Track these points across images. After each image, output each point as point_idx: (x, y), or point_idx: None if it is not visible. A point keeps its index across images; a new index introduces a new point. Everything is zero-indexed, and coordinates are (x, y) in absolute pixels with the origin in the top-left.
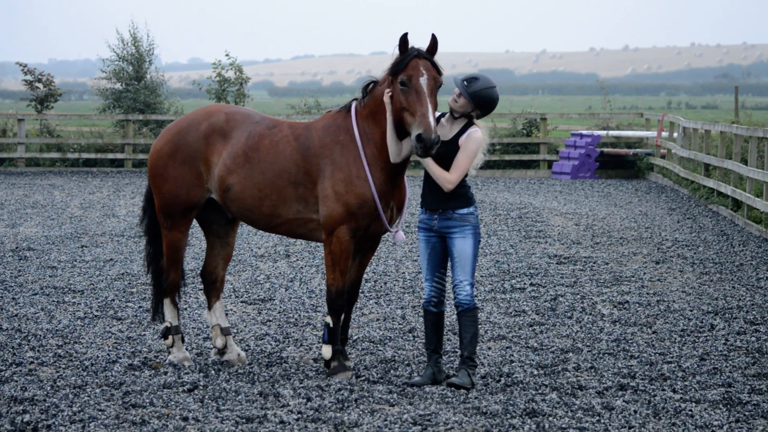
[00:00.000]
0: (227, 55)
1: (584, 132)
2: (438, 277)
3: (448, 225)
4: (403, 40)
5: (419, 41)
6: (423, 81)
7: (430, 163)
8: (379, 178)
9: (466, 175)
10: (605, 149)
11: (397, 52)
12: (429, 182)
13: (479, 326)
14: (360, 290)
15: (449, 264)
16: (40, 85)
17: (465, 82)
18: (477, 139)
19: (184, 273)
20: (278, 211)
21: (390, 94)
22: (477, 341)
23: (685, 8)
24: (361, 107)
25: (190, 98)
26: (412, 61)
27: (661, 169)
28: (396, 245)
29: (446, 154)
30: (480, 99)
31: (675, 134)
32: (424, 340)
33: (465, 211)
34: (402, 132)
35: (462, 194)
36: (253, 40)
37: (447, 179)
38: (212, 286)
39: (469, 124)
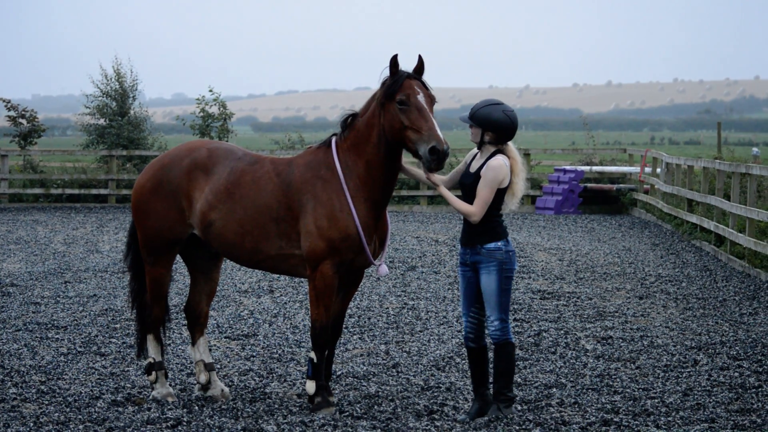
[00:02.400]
0: (211, 90)
1: (568, 167)
2: (474, 312)
3: (476, 260)
4: (394, 61)
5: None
6: (421, 98)
7: (452, 199)
8: (363, 212)
9: (499, 208)
10: (589, 184)
11: (386, 73)
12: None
13: (513, 362)
14: (344, 325)
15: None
16: (24, 121)
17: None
18: (495, 167)
19: (168, 308)
20: (260, 246)
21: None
22: (510, 376)
23: (668, 44)
24: (342, 141)
25: (174, 134)
26: (406, 82)
27: (644, 205)
28: (379, 279)
29: (472, 183)
30: (481, 119)
31: (658, 170)
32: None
33: (492, 246)
34: (393, 153)
35: (490, 229)
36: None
37: (470, 212)
38: (196, 322)
39: (496, 153)
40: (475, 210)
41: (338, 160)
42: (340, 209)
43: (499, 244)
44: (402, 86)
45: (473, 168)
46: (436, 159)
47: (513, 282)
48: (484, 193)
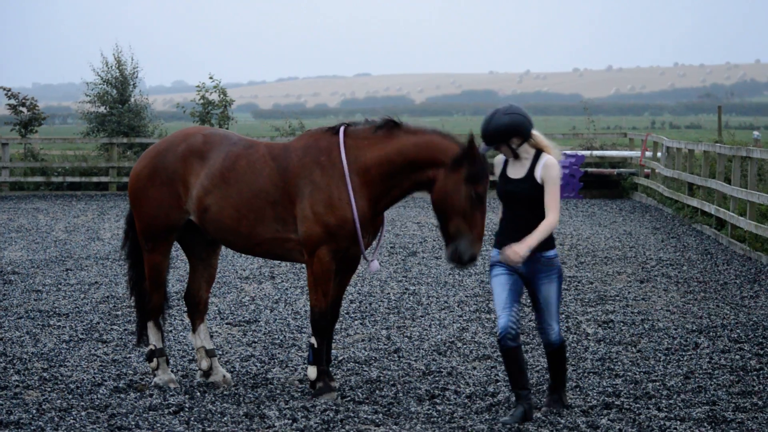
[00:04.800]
0: (211, 77)
1: (568, 152)
2: (516, 310)
3: (533, 270)
4: (472, 141)
5: (408, 60)
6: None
7: (539, 236)
8: (362, 206)
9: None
10: (589, 169)
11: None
12: (508, 223)
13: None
14: (344, 311)
15: (533, 306)
16: (24, 110)
17: (483, 142)
18: (554, 165)
19: (168, 295)
20: (256, 230)
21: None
22: (566, 376)
23: (668, 28)
24: (358, 134)
25: (174, 121)
26: (486, 174)
27: (645, 189)
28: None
29: (523, 191)
30: (496, 135)
31: (659, 154)
32: (508, 381)
33: (551, 254)
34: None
35: (547, 236)
36: (237, 62)
37: (552, 224)
38: (196, 309)
39: (539, 153)
40: (555, 218)
41: (345, 150)
42: (339, 198)
43: (554, 252)
44: (485, 178)
45: (516, 174)
46: (465, 262)
47: None
48: (555, 194)
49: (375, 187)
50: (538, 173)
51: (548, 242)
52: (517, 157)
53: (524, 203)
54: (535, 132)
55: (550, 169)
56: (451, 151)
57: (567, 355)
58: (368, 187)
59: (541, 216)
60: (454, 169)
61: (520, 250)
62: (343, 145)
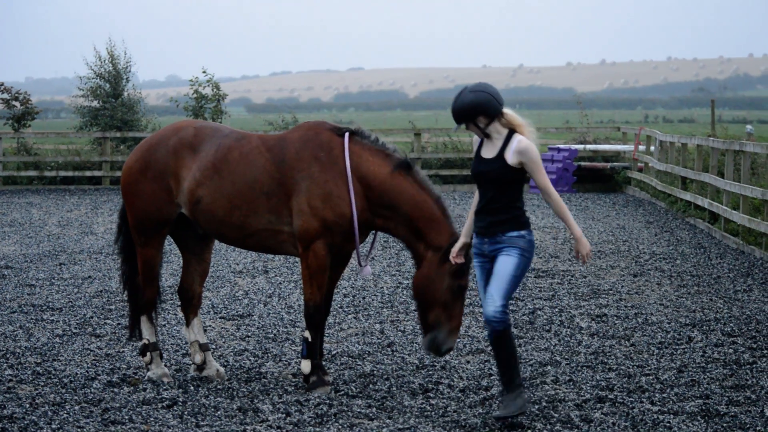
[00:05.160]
0: (204, 71)
1: (561, 146)
2: None
3: (496, 248)
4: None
5: (402, 54)
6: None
7: (571, 223)
8: (360, 206)
9: (520, 195)
10: (582, 163)
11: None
12: (480, 204)
13: (515, 347)
14: (337, 305)
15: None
16: (17, 104)
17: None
18: (529, 146)
19: (161, 290)
20: (248, 221)
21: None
22: (514, 365)
23: (661, 23)
24: (366, 146)
25: (167, 115)
26: (469, 266)
27: (638, 183)
28: (364, 278)
29: (493, 171)
30: (462, 113)
31: (652, 148)
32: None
33: (514, 233)
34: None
35: (513, 218)
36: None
37: (561, 202)
38: (189, 303)
39: (512, 134)
40: (556, 193)
41: (350, 155)
42: (338, 194)
43: (522, 232)
44: (467, 274)
45: (489, 154)
46: (442, 353)
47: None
48: (543, 174)
49: (371, 201)
50: (510, 155)
51: (513, 223)
52: (488, 136)
53: (494, 184)
54: (507, 111)
55: (526, 153)
56: (445, 236)
57: (513, 350)
58: (365, 197)
59: (511, 197)
60: (444, 259)
61: (583, 248)
62: (348, 149)
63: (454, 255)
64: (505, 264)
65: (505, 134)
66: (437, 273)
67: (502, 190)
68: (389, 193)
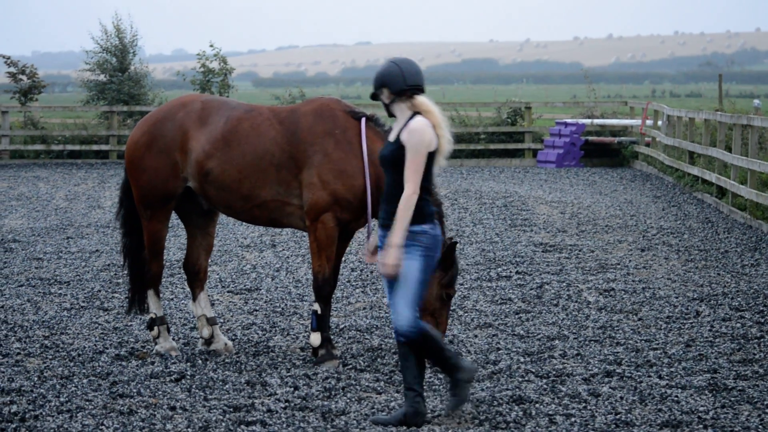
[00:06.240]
0: (211, 45)
1: (569, 121)
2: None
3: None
4: (453, 247)
5: (409, 28)
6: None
7: (396, 229)
8: (373, 183)
9: (429, 180)
10: (590, 138)
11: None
12: (384, 194)
13: (440, 346)
14: (345, 279)
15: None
16: (24, 77)
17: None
18: (415, 129)
19: (163, 264)
20: (257, 192)
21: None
22: (447, 359)
23: None
24: (381, 132)
25: (174, 89)
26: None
27: (645, 157)
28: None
29: (389, 154)
30: (374, 80)
31: (659, 122)
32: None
33: (417, 228)
34: None
35: (415, 208)
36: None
37: (407, 200)
38: (195, 277)
39: (413, 116)
40: (411, 189)
41: (366, 137)
42: (351, 173)
43: (425, 227)
44: (454, 282)
45: (392, 137)
46: None
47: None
48: (413, 163)
49: (380, 190)
50: (404, 136)
51: (417, 215)
52: (391, 114)
53: (390, 168)
54: (420, 96)
55: (411, 134)
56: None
57: (438, 345)
58: (376, 184)
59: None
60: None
61: (387, 259)
62: (365, 132)
63: (367, 255)
64: (409, 269)
65: (408, 116)
66: (433, 277)
67: (399, 175)
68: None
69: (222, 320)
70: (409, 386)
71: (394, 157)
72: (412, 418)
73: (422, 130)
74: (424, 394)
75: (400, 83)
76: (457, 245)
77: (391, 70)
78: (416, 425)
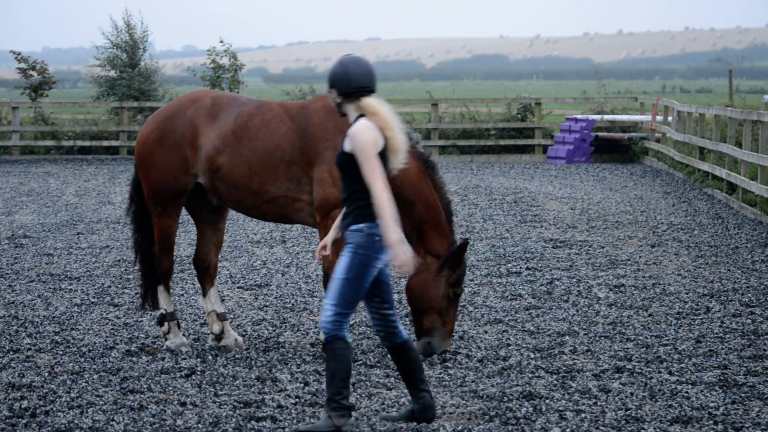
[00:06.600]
0: (222, 41)
1: (579, 116)
2: (375, 307)
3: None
4: (464, 247)
5: (419, 24)
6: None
7: (387, 225)
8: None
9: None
10: (600, 133)
11: None
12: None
13: (346, 363)
14: None
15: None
16: (34, 73)
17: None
18: (355, 133)
19: (173, 260)
20: (267, 187)
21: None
22: (344, 379)
23: None
24: None
25: (184, 85)
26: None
27: (655, 153)
28: None
29: (338, 160)
30: (327, 80)
31: (669, 118)
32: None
33: (354, 227)
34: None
35: (356, 209)
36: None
37: (380, 198)
38: (206, 273)
39: (357, 119)
40: (378, 186)
41: None
42: None
43: (361, 226)
44: (463, 282)
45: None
46: (430, 356)
47: (370, 274)
48: (367, 166)
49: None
50: (346, 144)
51: (354, 215)
52: (342, 114)
53: (342, 172)
54: (368, 98)
55: (352, 140)
56: (445, 244)
57: (340, 364)
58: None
59: (356, 187)
60: (442, 268)
61: (397, 257)
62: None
63: (320, 250)
64: (338, 265)
65: (355, 118)
66: (435, 280)
67: (348, 178)
68: (410, 188)
69: (232, 316)
70: (412, 386)
71: (341, 162)
72: (421, 413)
73: (361, 132)
74: (431, 390)
75: (345, 85)
76: (468, 243)
77: (337, 72)
78: (426, 421)
